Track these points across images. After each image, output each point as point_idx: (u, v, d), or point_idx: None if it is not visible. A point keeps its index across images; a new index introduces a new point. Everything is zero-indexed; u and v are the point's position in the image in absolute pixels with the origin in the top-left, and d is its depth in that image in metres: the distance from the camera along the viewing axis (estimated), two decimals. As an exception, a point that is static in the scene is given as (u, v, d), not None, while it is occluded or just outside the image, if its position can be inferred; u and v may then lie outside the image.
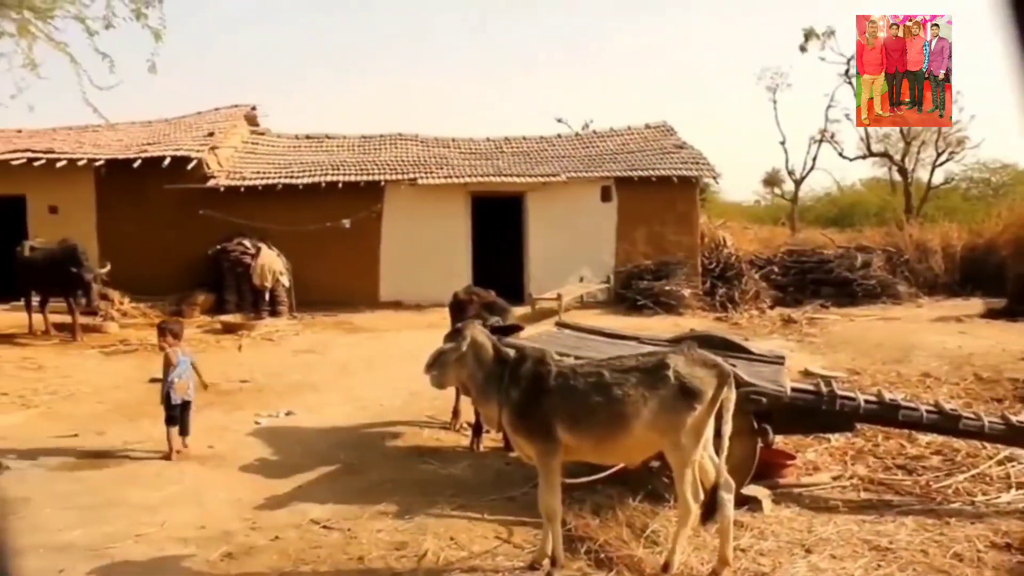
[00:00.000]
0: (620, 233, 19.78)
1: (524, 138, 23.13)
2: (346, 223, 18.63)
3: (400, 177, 19.41)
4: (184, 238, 18.49)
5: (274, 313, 17.46)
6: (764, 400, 6.23)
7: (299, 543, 5.80)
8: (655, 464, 6.55)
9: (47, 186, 18.69)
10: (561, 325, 8.88)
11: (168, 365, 8.08)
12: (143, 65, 13.80)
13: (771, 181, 43.49)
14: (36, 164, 18.31)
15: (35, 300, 15.38)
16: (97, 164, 18.62)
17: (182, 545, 5.82)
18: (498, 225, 19.98)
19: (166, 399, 8.05)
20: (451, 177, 19.48)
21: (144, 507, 6.62)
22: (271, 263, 17.70)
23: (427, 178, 19.36)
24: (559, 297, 16.82)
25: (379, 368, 12.30)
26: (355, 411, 9.84)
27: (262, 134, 23.28)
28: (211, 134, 20.37)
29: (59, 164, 18.35)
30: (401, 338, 14.51)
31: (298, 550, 5.68)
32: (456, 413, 8.89)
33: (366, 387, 11.08)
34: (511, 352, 5.40)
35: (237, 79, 62.92)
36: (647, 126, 23.40)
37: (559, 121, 36.67)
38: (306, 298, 18.05)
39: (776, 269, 20.45)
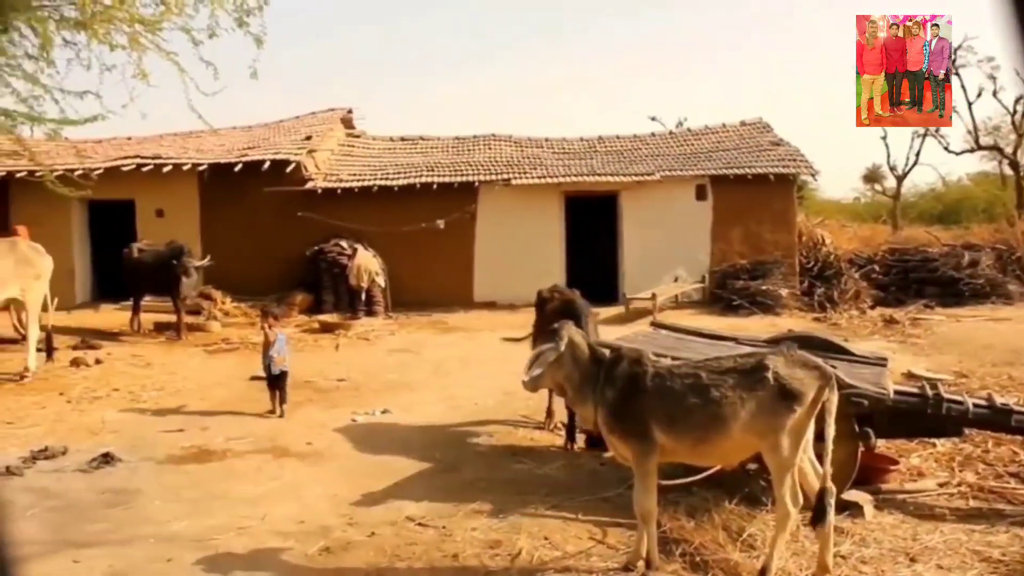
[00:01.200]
0: (715, 232, 19.45)
1: (618, 137, 22.92)
2: (440, 224, 18.78)
3: (494, 178, 19.47)
4: (283, 239, 18.88)
5: (370, 313, 17.71)
6: (865, 403, 6.06)
7: (395, 540, 5.88)
8: (752, 466, 6.44)
9: (154, 190, 19.32)
10: (657, 325, 8.79)
11: (268, 343, 9.92)
12: (245, 71, 14.26)
13: (872, 177, 42.27)
14: (144, 169, 18.96)
15: (146, 299, 16.02)
16: (201, 169, 19.17)
17: (282, 539, 5.96)
18: (592, 225, 19.89)
19: (267, 369, 9.84)
20: (545, 177, 19.45)
21: (246, 501, 6.82)
22: (367, 264, 17.96)
23: (521, 178, 19.37)
24: (653, 297, 16.66)
25: (473, 368, 12.36)
26: (450, 410, 9.92)
27: (358, 137, 23.64)
28: (308, 137, 20.76)
29: (165, 169, 18.95)
30: (495, 338, 14.56)
31: (394, 546, 5.75)
32: (550, 413, 8.88)
33: (460, 386, 11.16)
34: (607, 352, 5.38)
35: (333, 83, 64.17)
36: (742, 123, 22.97)
37: (653, 119, 36.37)
38: (401, 298, 18.27)
39: (877, 268, 19.82)
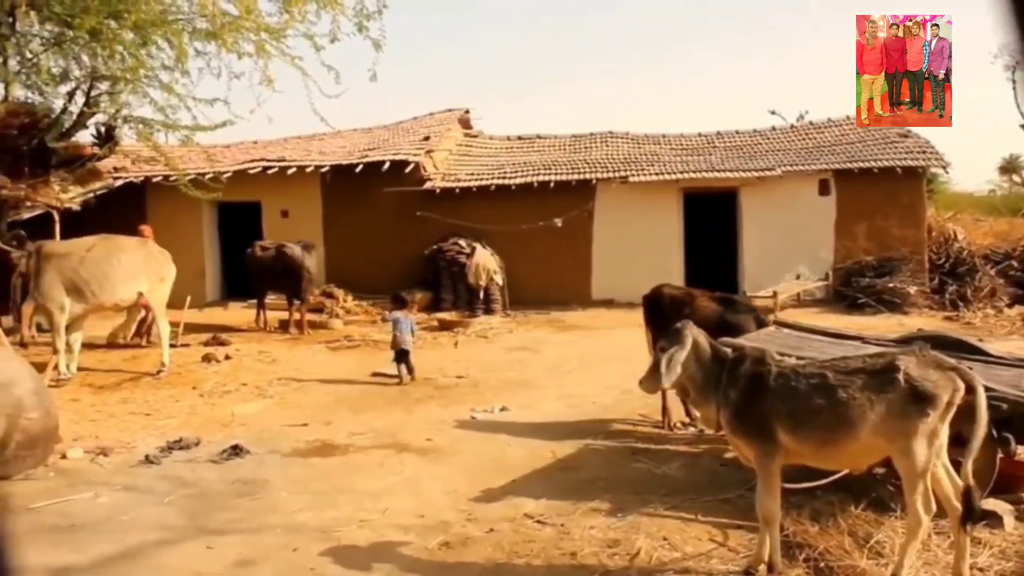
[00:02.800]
0: (839, 228, 18.90)
1: (737, 132, 22.48)
2: (558, 222, 18.77)
3: (611, 175, 19.36)
4: (402, 238, 19.23)
5: (488, 311, 17.87)
6: (1004, 407, 5.75)
7: (513, 536, 5.90)
8: (880, 470, 6.20)
9: (279, 192, 19.93)
10: (779, 324, 8.58)
11: (395, 324, 11.38)
12: (365, 74, 14.59)
13: (1009, 168, 40.22)
14: (270, 172, 19.58)
15: (271, 298, 16.57)
16: (323, 170, 19.67)
17: (402, 532, 6.06)
18: (711, 222, 19.59)
19: (399, 344, 11.31)
20: (662, 174, 19.22)
21: (368, 494, 6.96)
22: (485, 262, 18.12)
23: (638, 175, 19.20)
24: (775, 295, 16.27)
25: (591, 366, 12.32)
26: (568, 408, 9.91)
27: (475, 136, 23.85)
28: (427, 138, 21.05)
29: (290, 171, 19.51)
30: (613, 336, 14.46)
31: (512, 543, 5.77)
32: (666, 411, 8.78)
33: (579, 384, 11.13)
34: (729, 351, 5.27)
35: (451, 83, 64.98)
36: (868, 115, 22.20)
37: (773, 113, 35.45)
38: (519, 296, 18.36)
39: (1015, 264, 18.83)
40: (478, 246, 18.59)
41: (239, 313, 17.89)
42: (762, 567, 5.12)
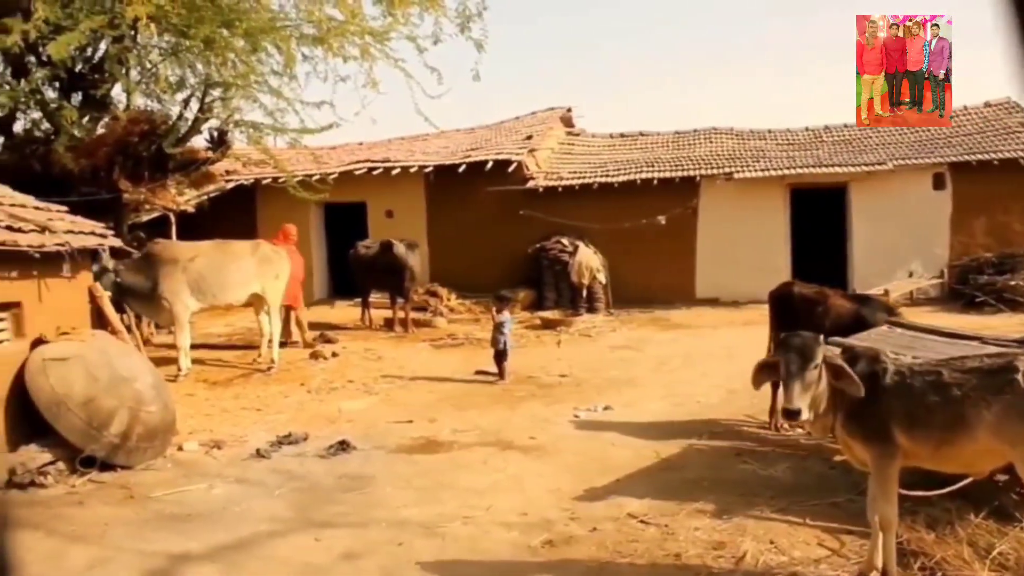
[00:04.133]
0: (955, 224, 18.19)
1: (845, 126, 21.83)
2: (661, 220, 18.56)
3: (716, 172, 19.07)
4: (505, 237, 19.30)
5: (591, 310, 17.80)
6: None
7: (616, 536, 5.85)
8: (1002, 477, 5.92)
9: (384, 192, 20.27)
10: (892, 323, 8.30)
11: (498, 323, 11.50)
12: (467, 75, 14.79)
13: None
14: (375, 173, 19.94)
15: (376, 296, 16.85)
16: (427, 170, 19.93)
17: (505, 530, 6.07)
18: (819, 218, 19.10)
19: (499, 344, 11.47)
20: (768, 170, 18.84)
21: (471, 491, 7.01)
22: (588, 261, 18.06)
23: (743, 172, 18.86)
24: (886, 293, 15.76)
25: (696, 365, 12.15)
26: (672, 407, 9.79)
27: (577, 135, 23.82)
28: (529, 137, 21.12)
29: (394, 172, 19.84)
30: (718, 335, 14.25)
31: (615, 543, 5.73)
32: (774, 412, 8.58)
33: (683, 384, 10.99)
34: (837, 352, 5.11)
35: (552, 82, 64.88)
36: (987, 104, 21.29)
37: (884, 106, 34.35)
38: (622, 295, 18.23)
39: None
40: (581, 244, 18.54)
41: (345, 311, 18.24)
42: (874, 574, 4.95)
